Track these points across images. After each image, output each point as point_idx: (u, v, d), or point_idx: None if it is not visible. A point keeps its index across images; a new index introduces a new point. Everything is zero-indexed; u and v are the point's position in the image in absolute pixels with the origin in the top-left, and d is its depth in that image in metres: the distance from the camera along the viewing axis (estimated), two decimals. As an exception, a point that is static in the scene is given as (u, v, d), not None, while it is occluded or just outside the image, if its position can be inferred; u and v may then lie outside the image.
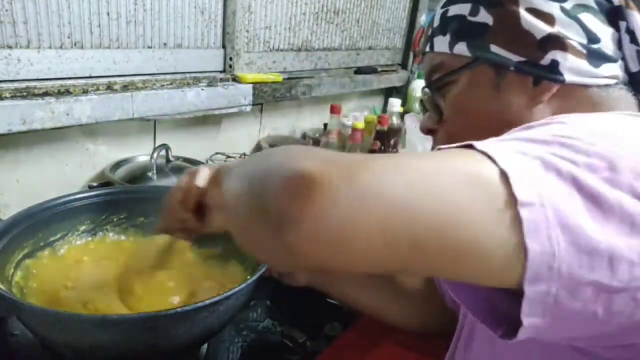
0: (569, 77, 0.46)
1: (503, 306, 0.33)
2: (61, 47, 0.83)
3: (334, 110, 1.27)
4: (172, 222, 0.55)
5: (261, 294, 0.80)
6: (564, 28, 0.46)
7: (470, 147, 0.32)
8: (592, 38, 0.46)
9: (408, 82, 1.82)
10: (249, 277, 0.56)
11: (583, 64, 0.46)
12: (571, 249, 0.27)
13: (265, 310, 0.79)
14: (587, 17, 0.46)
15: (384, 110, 1.74)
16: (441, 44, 0.51)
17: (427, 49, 0.54)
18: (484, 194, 0.28)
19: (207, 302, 0.51)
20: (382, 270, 0.31)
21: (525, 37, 0.46)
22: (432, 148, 0.58)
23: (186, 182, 0.52)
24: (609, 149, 0.31)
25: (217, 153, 1.20)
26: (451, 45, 0.50)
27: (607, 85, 0.47)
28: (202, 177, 0.51)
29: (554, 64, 0.46)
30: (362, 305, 0.75)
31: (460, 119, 0.52)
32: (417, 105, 1.73)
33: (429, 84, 0.54)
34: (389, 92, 1.88)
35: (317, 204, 0.28)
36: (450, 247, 0.28)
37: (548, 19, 0.46)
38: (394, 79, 1.78)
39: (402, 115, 1.48)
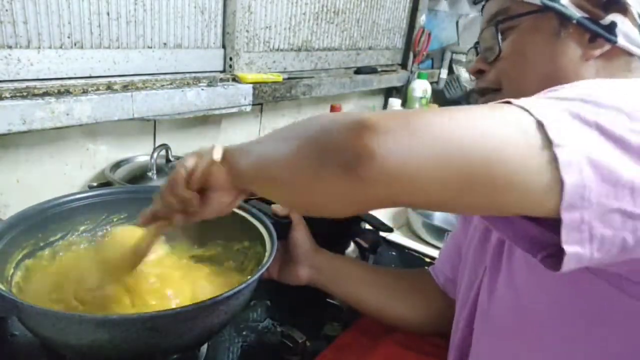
0: (620, 41, 0.49)
1: (539, 238, 0.39)
2: (61, 47, 0.83)
3: (334, 110, 1.27)
4: (171, 202, 0.52)
5: (261, 294, 0.80)
6: None
7: (508, 103, 0.36)
8: None
9: (408, 82, 1.83)
10: (248, 277, 0.56)
11: (635, 33, 0.50)
12: (598, 180, 0.32)
13: (265, 310, 0.79)
14: None
15: (384, 110, 1.74)
16: None
17: None
18: (523, 136, 0.33)
19: (207, 302, 0.51)
20: (439, 205, 0.37)
21: None
22: (478, 87, 0.61)
23: (194, 160, 0.51)
24: (627, 103, 0.35)
25: (217, 153, 1.20)
26: None
27: None
28: (217, 153, 0.50)
29: (613, 25, 0.49)
30: (363, 305, 0.75)
31: (516, 59, 0.55)
32: (417, 105, 1.73)
33: (492, 25, 0.57)
34: (389, 92, 1.88)
35: (383, 144, 0.33)
36: (496, 180, 0.33)
37: None
38: (394, 79, 1.78)
39: (402, 115, 1.48)
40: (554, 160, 0.32)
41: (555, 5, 0.51)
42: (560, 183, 0.32)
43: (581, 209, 0.32)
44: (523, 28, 0.55)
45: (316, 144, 0.37)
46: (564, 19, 0.51)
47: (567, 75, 0.51)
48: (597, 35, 0.50)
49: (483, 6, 0.61)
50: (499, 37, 0.56)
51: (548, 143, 0.32)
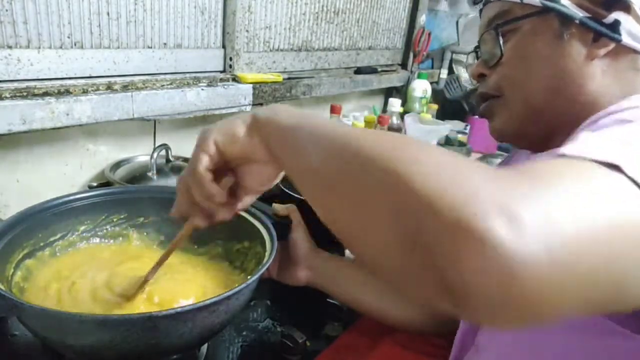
0: (625, 39, 0.48)
1: None
2: (61, 47, 0.83)
3: (334, 110, 1.27)
4: (195, 201, 0.47)
5: (261, 294, 0.80)
6: None
7: (617, 168, 0.30)
8: None
9: (408, 82, 1.83)
10: (248, 277, 0.56)
11: (639, 30, 0.48)
12: None
13: (265, 310, 0.79)
14: None
15: (384, 110, 1.74)
16: None
17: None
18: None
19: (207, 302, 0.51)
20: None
21: None
22: (479, 92, 0.60)
23: (212, 144, 0.45)
24: None
25: (217, 153, 1.20)
26: None
27: None
28: (239, 133, 0.43)
29: (616, 23, 0.48)
30: (362, 306, 0.75)
31: (519, 63, 0.54)
32: (417, 105, 1.73)
33: (492, 28, 0.56)
34: (389, 92, 1.88)
35: (520, 282, 0.23)
36: (632, 290, 0.28)
37: None
38: (394, 79, 1.78)
39: (402, 115, 1.48)
40: None
41: (556, 6, 0.50)
42: None
43: None
44: (524, 31, 0.54)
45: (415, 223, 0.26)
46: (565, 19, 0.50)
47: (572, 77, 0.51)
48: (600, 34, 0.49)
49: (481, 10, 0.60)
50: (500, 40, 0.55)
51: None
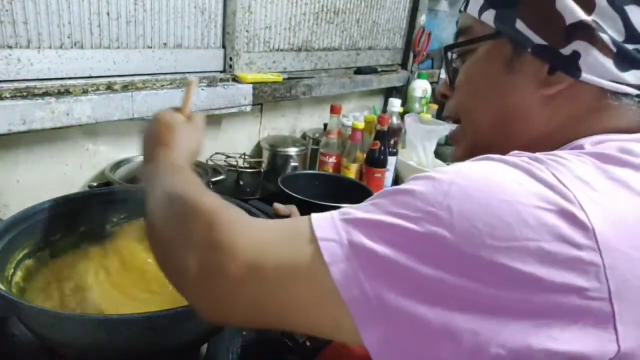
0: (585, 75, 0.41)
1: None
2: (61, 47, 0.83)
3: (334, 110, 1.27)
4: None
5: (261, 294, 0.80)
6: (601, 18, 0.40)
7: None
8: (632, 36, 0.40)
9: (408, 82, 1.83)
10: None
11: (607, 64, 0.40)
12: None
13: (265, 310, 0.79)
14: (635, 12, 0.40)
15: (384, 110, 1.74)
16: (474, 5, 0.47)
17: (462, 7, 0.50)
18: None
19: (207, 302, 0.51)
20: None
21: (555, 19, 0.41)
22: (443, 115, 0.55)
23: None
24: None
25: (217, 153, 1.20)
26: (481, 10, 0.46)
27: (625, 94, 0.41)
28: None
29: (575, 56, 0.41)
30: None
31: (468, 90, 0.50)
32: (417, 105, 1.73)
33: (452, 46, 0.51)
34: (389, 92, 1.88)
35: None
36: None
37: (587, 4, 0.40)
38: (394, 79, 1.78)
39: (402, 115, 1.48)
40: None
41: (509, 29, 0.44)
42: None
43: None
44: (479, 54, 0.48)
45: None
46: (518, 46, 0.44)
47: (517, 114, 0.45)
48: (555, 67, 0.42)
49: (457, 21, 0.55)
50: (451, 61, 0.50)
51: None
